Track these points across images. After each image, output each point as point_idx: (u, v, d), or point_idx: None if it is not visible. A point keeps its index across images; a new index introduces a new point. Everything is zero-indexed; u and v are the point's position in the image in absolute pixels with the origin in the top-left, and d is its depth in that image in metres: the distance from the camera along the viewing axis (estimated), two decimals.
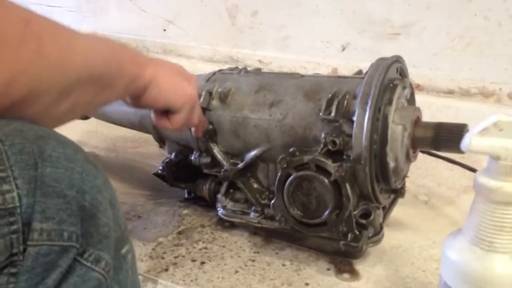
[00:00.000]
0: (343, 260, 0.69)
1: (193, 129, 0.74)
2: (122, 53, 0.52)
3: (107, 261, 0.38)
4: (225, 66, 0.86)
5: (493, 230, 0.45)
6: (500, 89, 1.03)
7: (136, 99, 0.58)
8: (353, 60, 1.15)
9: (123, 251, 0.41)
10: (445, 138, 0.65)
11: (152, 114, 0.65)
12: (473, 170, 0.79)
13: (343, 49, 1.17)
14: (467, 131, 0.62)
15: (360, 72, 0.76)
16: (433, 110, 1.04)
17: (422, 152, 0.75)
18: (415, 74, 1.07)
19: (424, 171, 0.90)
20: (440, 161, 0.81)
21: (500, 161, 0.44)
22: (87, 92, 0.45)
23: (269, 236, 0.75)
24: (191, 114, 0.66)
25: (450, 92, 1.08)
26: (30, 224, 0.33)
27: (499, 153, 0.44)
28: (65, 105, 0.43)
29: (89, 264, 0.36)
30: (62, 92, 0.42)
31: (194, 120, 0.68)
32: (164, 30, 1.41)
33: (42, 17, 0.41)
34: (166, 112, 0.63)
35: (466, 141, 0.44)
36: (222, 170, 0.75)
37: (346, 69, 1.11)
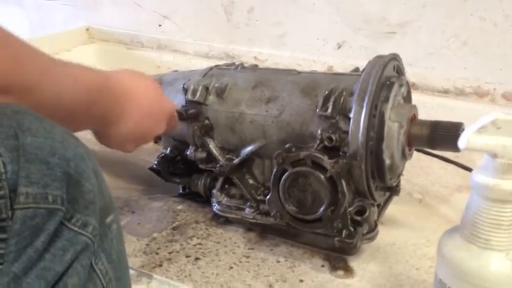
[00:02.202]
0: (338, 256, 0.69)
1: None
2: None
3: (94, 226, 0.38)
4: (220, 63, 0.86)
5: (490, 228, 0.45)
6: (495, 89, 1.03)
7: (101, 134, 0.62)
8: (349, 58, 1.15)
9: (108, 220, 0.41)
10: (441, 137, 0.65)
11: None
12: (467, 169, 0.80)
13: (339, 47, 1.17)
14: (463, 129, 0.62)
15: (356, 69, 0.76)
16: (428, 108, 1.04)
17: (417, 150, 0.75)
18: (410, 73, 1.07)
19: (419, 170, 0.91)
20: (435, 159, 0.82)
21: (497, 158, 0.44)
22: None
23: (264, 232, 0.75)
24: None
25: (445, 91, 1.08)
26: (16, 189, 0.34)
27: (496, 151, 0.44)
28: None
29: (76, 228, 0.37)
30: None
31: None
32: (159, 25, 1.41)
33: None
34: None
35: (464, 139, 0.45)
36: (218, 165, 0.75)
37: (342, 67, 1.11)
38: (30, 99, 0.44)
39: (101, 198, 0.40)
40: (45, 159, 0.36)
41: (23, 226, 0.34)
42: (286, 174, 0.66)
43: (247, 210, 0.74)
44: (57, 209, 0.36)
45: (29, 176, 0.35)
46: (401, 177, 0.75)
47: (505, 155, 0.43)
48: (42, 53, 0.48)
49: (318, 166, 0.65)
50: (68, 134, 0.40)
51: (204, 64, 0.90)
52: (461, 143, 0.45)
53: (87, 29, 1.51)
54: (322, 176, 0.64)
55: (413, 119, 0.67)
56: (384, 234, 0.72)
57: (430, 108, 1.04)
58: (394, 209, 0.78)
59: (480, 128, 0.44)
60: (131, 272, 0.64)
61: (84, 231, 0.38)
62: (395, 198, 0.78)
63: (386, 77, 0.67)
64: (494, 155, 0.44)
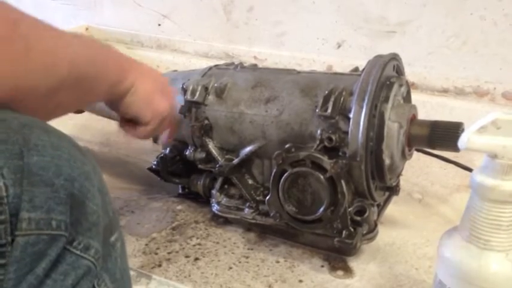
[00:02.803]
0: (337, 257, 0.69)
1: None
2: (107, 56, 0.53)
3: (96, 249, 0.37)
4: (220, 62, 0.86)
5: (489, 228, 0.45)
6: (495, 88, 1.03)
7: (112, 103, 0.58)
8: (348, 57, 1.15)
9: (112, 239, 0.40)
10: (440, 136, 0.65)
11: (119, 117, 0.65)
12: (467, 169, 0.79)
13: (339, 46, 1.17)
14: (463, 129, 0.62)
15: (356, 69, 0.76)
16: (428, 108, 1.04)
17: (417, 150, 0.75)
18: (410, 73, 1.06)
19: (418, 170, 0.91)
20: (434, 159, 0.82)
21: (497, 159, 0.44)
22: (71, 93, 0.46)
23: (263, 232, 0.74)
24: (158, 128, 0.65)
25: (445, 91, 1.08)
26: (18, 213, 0.33)
27: (496, 151, 0.44)
28: (50, 105, 0.44)
29: (78, 252, 0.36)
30: (47, 93, 0.42)
31: (160, 133, 0.69)
32: (159, 25, 1.40)
33: (31, 17, 0.41)
34: (133, 120, 0.63)
35: (464, 139, 0.44)
36: (217, 165, 0.75)
37: (341, 66, 1.11)
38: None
39: (105, 216, 0.39)
40: (50, 181, 0.35)
41: (24, 253, 0.33)
42: (286, 174, 0.66)
43: (247, 210, 0.74)
44: (60, 235, 0.35)
45: (32, 200, 0.34)
46: (401, 177, 0.75)
47: (505, 156, 0.43)
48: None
49: (318, 166, 0.64)
50: (75, 148, 0.39)
51: (203, 63, 0.90)
52: (461, 143, 0.45)
53: (87, 29, 1.51)
54: (321, 177, 0.64)
55: (413, 119, 0.67)
56: (383, 234, 0.72)
57: (430, 108, 1.04)
58: (393, 209, 0.78)
59: (480, 128, 0.44)
60: (131, 272, 0.64)
61: (86, 255, 0.37)
62: (395, 198, 0.78)
63: (386, 77, 0.67)
64: (494, 156, 0.44)
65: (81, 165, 0.37)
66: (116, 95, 0.56)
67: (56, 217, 0.35)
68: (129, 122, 0.64)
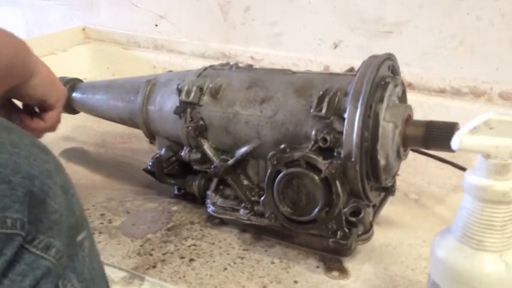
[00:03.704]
0: (333, 257, 0.69)
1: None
2: (8, 40, 0.51)
3: (57, 249, 0.36)
4: (216, 62, 0.85)
5: (482, 229, 0.45)
6: (492, 88, 1.03)
7: (16, 89, 0.56)
8: (345, 58, 1.14)
9: (79, 238, 0.40)
10: (435, 137, 0.65)
11: (20, 116, 0.64)
12: (463, 169, 0.79)
13: (335, 47, 1.17)
14: (458, 129, 0.62)
15: (351, 69, 0.76)
16: (425, 108, 1.03)
17: (413, 150, 0.75)
18: (406, 73, 1.07)
19: (415, 170, 0.90)
20: (431, 160, 0.81)
21: (490, 159, 0.44)
22: None
23: (258, 233, 0.74)
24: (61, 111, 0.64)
25: (441, 91, 1.08)
26: None
27: (489, 151, 0.43)
28: None
29: (38, 252, 0.35)
30: None
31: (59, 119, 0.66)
32: (156, 25, 1.40)
33: None
34: (34, 113, 0.61)
35: (457, 140, 0.44)
36: (212, 166, 0.74)
37: (338, 66, 1.11)
38: None
39: (70, 216, 0.38)
40: (7, 178, 0.34)
41: None
42: (281, 175, 0.66)
43: (242, 211, 0.73)
44: (16, 234, 0.34)
45: None
46: (397, 178, 0.75)
47: (498, 156, 0.43)
48: None
49: (313, 167, 0.64)
50: (37, 147, 0.38)
51: (200, 64, 0.90)
52: (454, 143, 0.45)
53: (83, 29, 1.51)
54: (316, 177, 0.64)
55: (408, 119, 0.67)
56: (379, 234, 0.72)
57: (427, 108, 1.04)
58: (389, 209, 0.78)
59: (473, 128, 0.44)
60: (124, 274, 0.64)
61: (46, 255, 0.36)
62: (391, 199, 0.77)
63: (381, 77, 0.66)
64: (487, 156, 0.44)
65: (42, 164, 0.37)
66: (21, 77, 0.54)
67: (11, 215, 0.34)
68: (33, 117, 0.62)
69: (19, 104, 0.67)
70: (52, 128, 0.66)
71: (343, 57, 1.15)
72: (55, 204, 0.37)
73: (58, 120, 0.64)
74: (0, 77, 0.46)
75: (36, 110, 0.67)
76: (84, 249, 0.40)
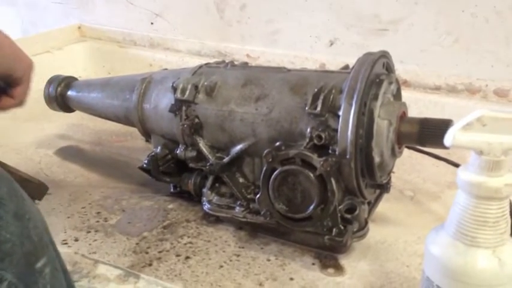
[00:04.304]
0: (328, 255, 0.69)
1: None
2: None
3: (10, 281, 0.34)
4: (212, 60, 0.85)
5: (476, 225, 0.45)
6: (487, 85, 1.03)
7: None
8: (341, 55, 1.14)
9: (38, 265, 0.38)
10: (430, 134, 0.65)
11: None
12: (458, 166, 0.79)
13: (331, 44, 1.17)
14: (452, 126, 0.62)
15: (346, 67, 0.76)
16: (420, 106, 1.04)
17: (408, 147, 0.75)
18: (402, 70, 1.07)
19: (410, 167, 0.91)
20: (426, 157, 0.82)
21: (483, 156, 0.44)
22: None
23: (254, 230, 0.74)
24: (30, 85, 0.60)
25: (437, 88, 1.08)
26: None
27: (482, 148, 0.44)
28: None
29: None
30: None
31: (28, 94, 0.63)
32: (151, 23, 1.40)
33: None
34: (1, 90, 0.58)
35: (450, 136, 0.44)
36: (208, 164, 0.74)
37: (334, 64, 1.11)
38: None
39: (26, 243, 0.36)
40: None
41: None
42: (276, 172, 0.66)
43: (238, 209, 0.73)
44: None
45: None
46: (393, 175, 0.75)
47: (490, 152, 0.43)
48: None
49: (308, 164, 0.64)
50: None
51: (196, 62, 0.90)
52: (447, 140, 0.45)
53: (79, 27, 1.50)
54: (311, 175, 0.64)
55: (402, 117, 0.67)
56: (374, 232, 0.72)
57: (422, 106, 1.04)
58: (385, 206, 0.78)
59: (466, 125, 0.44)
60: (119, 271, 0.64)
61: None
62: (386, 196, 0.78)
63: (376, 75, 0.67)
64: (480, 152, 0.44)
65: None
66: None
67: None
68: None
69: None
70: (21, 103, 0.62)
71: (339, 54, 1.15)
72: (6, 234, 0.35)
73: (27, 95, 0.61)
74: None
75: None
76: (45, 276, 0.38)
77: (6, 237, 0.35)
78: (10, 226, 0.35)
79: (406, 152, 0.72)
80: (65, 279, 0.43)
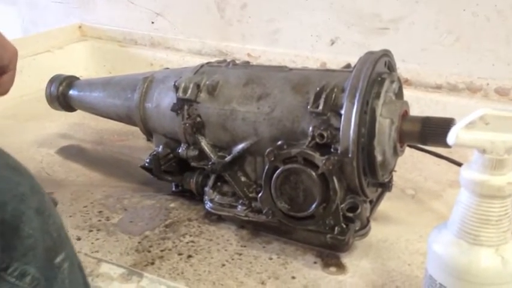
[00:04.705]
0: (330, 253, 0.69)
1: None
2: None
3: (33, 276, 0.35)
4: (213, 59, 0.85)
5: (479, 224, 0.45)
6: (488, 84, 1.03)
7: None
8: (342, 54, 1.14)
9: (57, 260, 0.38)
10: (432, 132, 0.65)
11: None
12: (460, 165, 0.78)
13: (332, 43, 1.17)
14: (455, 125, 0.62)
15: (348, 66, 0.76)
16: (421, 104, 1.04)
17: (410, 146, 0.75)
18: (403, 69, 1.07)
19: (412, 166, 0.91)
20: (428, 155, 0.82)
21: (486, 154, 0.44)
22: None
23: (256, 229, 0.74)
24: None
25: (438, 87, 1.08)
26: None
27: (484, 146, 0.44)
28: None
29: (13, 279, 0.34)
30: None
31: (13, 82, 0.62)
32: (152, 22, 1.40)
33: None
34: None
35: (452, 135, 0.45)
36: (210, 163, 0.75)
37: (335, 63, 1.11)
38: None
39: (46, 238, 0.37)
40: None
41: None
42: (278, 171, 0.66)
43: (240, 207, 0.74)
44: None
45: None
46: (394, 174, 0.75)
47: (493, 151, 0.43)
48: None
49: (310, 163, 0.64)
50: (10, 168, 0.36)
51: (197, 61, 0.90)
52: (450, 139, 0.45)
53: (80, 27, 1.50)
54: (313, 173, 0.64)
55: (404, 115, 0.67)
56: (376, 230, 0.72)
57: (424, 104, 1.05)
58: (386, 205, 0.78)
59: (469, 123, 0.44)
60: (122, 270, 0.65)
61: (21, 283, 0.35)
62: (388, 195, 0.78)
63: (378, 73, 0.67)
64: (483, 151, 0.44)
65: (15, 187, 0.35)
66: None
67: None
68: None
69: None
70: (6, 92, 0.62)
71: (340, 53, 1.15)
72: (29, 229, 0.35)
73: (12, 83, 0.60)
74: None
75: None
76: (63, 271, 0.39)
77: (29, 233, 0.35)
78: (32, 222, 0.36)
79: (408, 150, 0.72)
80: (80, 274, 0.43)
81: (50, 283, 0.37)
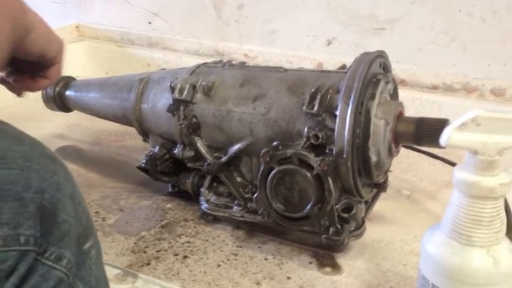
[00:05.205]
0: (326, 253, 0.70)
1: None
2: None
3: (68, 259, 0.37)
4: (210, 60, 0.86)
5: (471, 224, 0.46)
6: (483, 84, 1.03)
7: (14, 46, 0.52)
8: (338, 54, 1.15)
9: (86, 246, 0.40)
10: (426, 133, 0.65)
11: (24, 79, 0.60)
12: (455, 165, 0.79)
13: (329, 43, 1.18)
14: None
15: (343, 66, 0.76)
16: (417, 105, 1.04)
17: (406, 147, 0.76)
18: (399, 69, 1.07)
19: (408, 166, 0.91)
20: (423, 156, 0.82)
21: (477, 155, 0.44)
22: None
23: (252, 230, 0.75)
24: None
25: (434, 87, 1.08)
26: None
27: (476, 147, 0.44)
28: None
29: (50, 263, 0.36)
30: None
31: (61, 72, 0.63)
32: (149, 23, 1.40)
33: None
34: (35, 71, 0.58)
35: (445, 136, 0.45)
36: (206, 163, 0.75)
37: (332, 63, 1.11)
38: None
39: (78, 225, 0.38)
40: (18, 196, 0.34)
41: None
42: (273, 172, 0.66)
43: (235, 208, 0.74)
44: (29, 250, 0.34)
45: None
46: (390, 174, 0.76)
47: (485, 152, 0.44)
48: None
49: (305, 164, 0.65)
50: (46, 157, 0.38)
51: (194, 61, 0.90)
52: (443, 140, 0.45)
53: (77, 27, 1.51)
54: (308, 174, 0.64)
55: (399, 116, 0.67)
56: (371, 230, 0.72)
57: (419, 105, 1.05)
58: (382, 205, 0.78)
59: (461, 125, 0.44)
60: (117, 271, 0.65)
61: (58, 266, 0.36)
62: (384, 195, 0.78)
63: (373, 74, 0.67)
64: (475, 152, 0.44)
65: (52, 175, 0.37)
66: (19, 31, 0.50)
67: (24, 232, 0.34)
68: (30, 78, 0.59)
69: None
70: (54, 82, 0.64)
71: (337, 53, 1.16)
72: (65, 215, 0.37)
73: (60, 74, 0.61)
74: (4, 30, 0.43)
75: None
76: (91, 258, 0.40)
77: (64, 218, 0.37)
78: (67, 208, 0.37)
79: (403, 151, 0.72)
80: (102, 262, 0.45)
81: (79, 268, 0.39)
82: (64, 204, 0.37)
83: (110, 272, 0.65)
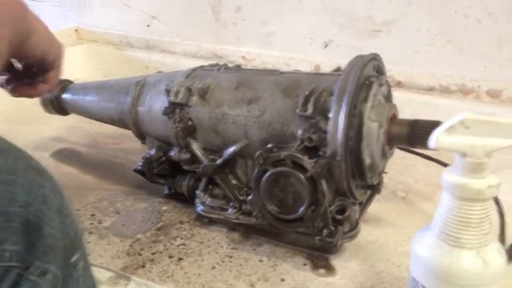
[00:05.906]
0: (320, 255, 0.70)
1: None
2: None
3: (54, 274, 0.36)
4: (208, 62, 0.86)
5: (459, 226, 0.46)
6: (479, 86, 1.04)
7: (15, 49, 0.52)
8: (335, 57, 1.15)
9: (73, 259, 0.39)
10: (420, 135, 0.65)
11: (22, 84, 0.61)
12: None
13: (326, 46, 1.18)
14: None
15: (338, 69, 0.76)
16: (413, 106, 1.04)
17: (400, 148, 0.76)
18: (395, 71, 1.08)
19: (403, 168, 0.91)
20: (419, 157, 0.82)
21: (466, 158, 0.44)
22: None
23: (247, 232, 0.75)
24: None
25: (430, 89, 1.09)
26: None
27: (465, 150, 0.44)
28: None
29: (34, 278, 0.35)
30: None
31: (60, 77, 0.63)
32: (148, 25, 1.41)
33: None
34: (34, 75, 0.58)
35: (433, 139, 0.45)
36: (201, 166, 0.75)
37: (329, 66, 1.12)
38: None
39: (64, 238, 0.38)
40: (4, 210, 0.33)
41: None
42: (267, 174, 0.67)
43: (230, 210, 0.74)
44: (13, 266, 0.33)
45: None
46: (385, 175, 0.76)
47: (473, 155, 0.44)
48: None
49: (299, 166, 0.65)
50: (33, 169, 0.37)
51: (192, 64, 0.90)
52: (432, 142, 0.45)
53: (76, 30, 1.51)
54: (302, 176, 0.64)
55: (393, 118, 0.68)
56: (365, 232, 0.73)
57: (416, 106, 1.05)
58: (377, 207, 0.78)
59: (449, 127, 0.45)
60: (110, 274, 0.65)
61: (42, 281, 0.35)
62: (379, 197, 0.78)
63: (366, 77, 0.67)
64: (463, 154, 0.45)
65: (38, 188, 0.36)
66: (20, 35, 0.51)
67: (9, 248, 0.33)
68: (29, 84, 0.59)
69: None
70: (53, 87, 0.63)
71: (334, 56, 1.16)
72: (50, 229, 0.36)
73: (58, 78, 0.62)
74: (3, 35, 0.44)
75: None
76: (78, 270, 0.40)
77: (50, 232, 0.36)
78: (53, 221, 0.37)
79: (399, 152, 0.72)
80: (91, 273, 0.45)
81: (66, 281, 0.38)
82: (50, 218, 0.36)
83: (103, 275, 0.65)
